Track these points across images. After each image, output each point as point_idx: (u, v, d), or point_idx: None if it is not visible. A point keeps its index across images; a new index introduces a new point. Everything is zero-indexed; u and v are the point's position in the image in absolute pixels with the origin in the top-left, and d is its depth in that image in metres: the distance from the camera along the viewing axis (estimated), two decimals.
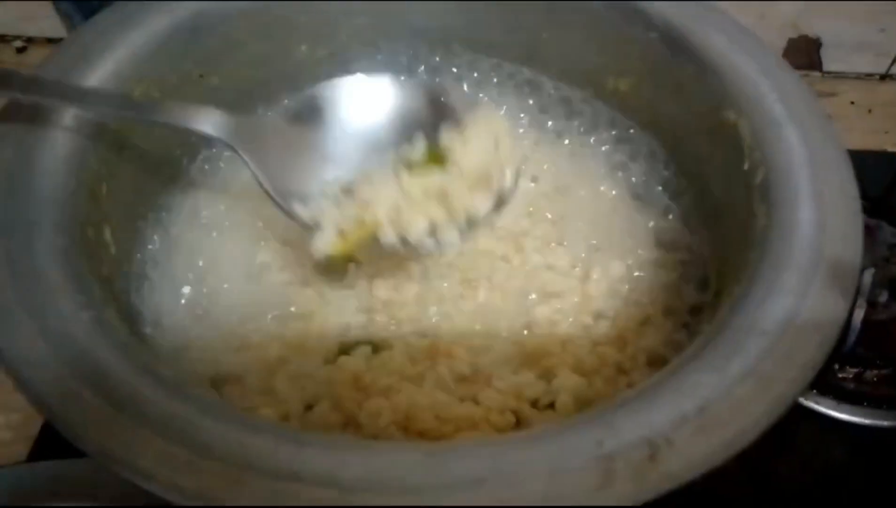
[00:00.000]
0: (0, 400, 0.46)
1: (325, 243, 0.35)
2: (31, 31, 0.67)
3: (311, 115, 0.38)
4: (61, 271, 0.30)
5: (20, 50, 0.67)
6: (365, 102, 0.38)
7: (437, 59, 0.46)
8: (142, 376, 0.27)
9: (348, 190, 0.37)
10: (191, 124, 0.35)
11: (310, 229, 0.36)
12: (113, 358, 0.27)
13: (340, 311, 0.38)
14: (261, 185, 0.35)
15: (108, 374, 0.26)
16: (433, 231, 0.35)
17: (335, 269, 0.40)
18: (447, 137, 0.37)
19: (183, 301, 0.38)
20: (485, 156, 0.36)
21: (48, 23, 0.62)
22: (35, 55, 0.67)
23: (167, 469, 0.24)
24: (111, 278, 0.34)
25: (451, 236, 0.35)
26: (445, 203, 0.36)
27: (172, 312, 0.37)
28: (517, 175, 0.37)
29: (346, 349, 0.37)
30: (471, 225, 0.36)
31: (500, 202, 0.37)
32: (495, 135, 0.37)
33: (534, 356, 0.37)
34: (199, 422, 0.25)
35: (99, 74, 0.36)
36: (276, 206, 0.36)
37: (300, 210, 0.36)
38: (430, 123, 0.38)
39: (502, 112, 0.43)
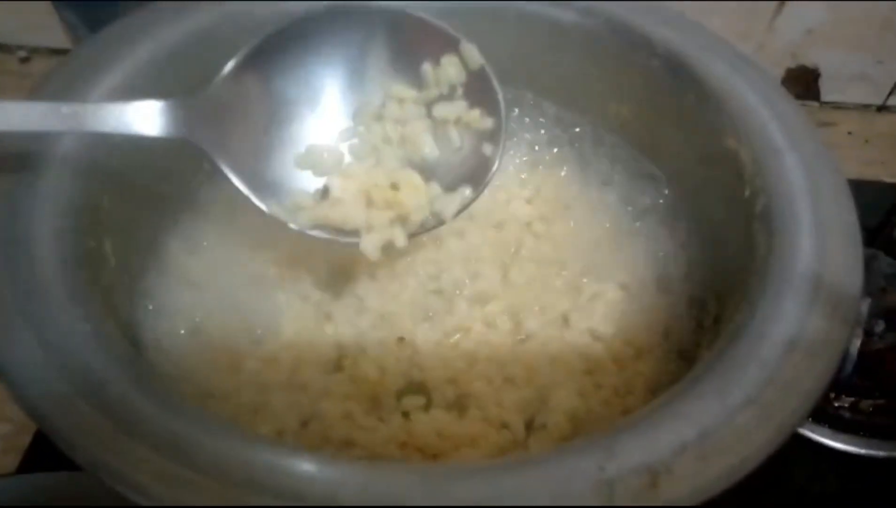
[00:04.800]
0: None
1: (375, 247, 0.36)
2: (35, 41, 0.67)
3: (261, 70, 0.36)
4: (61, 282, 0.30)
5: (23, 60, 0.67)
6: (316, 44, 0.36)
7: None
8: (140, 390, 0.26)
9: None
10: (129, 129, 0.31)
11: (286, 225, 0.35)
12: (111, 371, 0.27)
13: (338, 325, 0.38)
14: (233, 182, 0.34)
15: (105, 387, 0.26)
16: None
17: (333, 283, 0.40)
18: (427, 147, 0.37)
19: (179, 316, 0.37)
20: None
21: (52, 33, 0.63)
22: (38, 65, 0.67)
23: (164, 486, 0.24)
24: (110, 290, 0.33)
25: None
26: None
27: (169, 326, 0.37)
28: (500, 156, 0.37)
29: (342, 364, 0.37)
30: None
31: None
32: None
33: (528, 376, 0.37)
34: (197, 439, 0.25)
35: (104, 87, 0.36)
36: (249, 200, 0.34)
37: (278, 210, 0.35)
38: (390, 68, 0.38)
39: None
